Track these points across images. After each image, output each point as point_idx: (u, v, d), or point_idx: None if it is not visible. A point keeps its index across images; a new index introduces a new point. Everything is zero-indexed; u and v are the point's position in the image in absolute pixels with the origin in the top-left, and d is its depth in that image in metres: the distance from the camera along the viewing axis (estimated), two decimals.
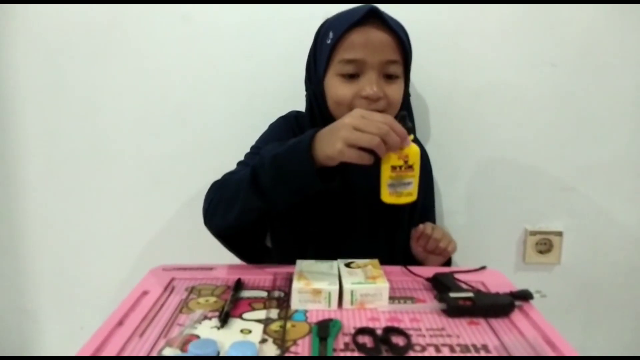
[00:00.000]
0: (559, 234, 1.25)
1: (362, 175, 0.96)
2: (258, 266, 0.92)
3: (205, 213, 0.89)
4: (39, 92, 1.21)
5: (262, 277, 0.88)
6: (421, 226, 0.97)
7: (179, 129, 1.22)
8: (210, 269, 0.93)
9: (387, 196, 0.71)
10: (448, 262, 1.00)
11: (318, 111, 0.97)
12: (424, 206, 1.10)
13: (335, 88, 0.92)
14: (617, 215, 1.26)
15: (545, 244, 1.26)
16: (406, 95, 0.98)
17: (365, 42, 0.89)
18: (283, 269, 0.91)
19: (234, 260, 1.05)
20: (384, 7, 0.92)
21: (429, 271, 0.88)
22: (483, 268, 0.93)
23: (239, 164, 0.98)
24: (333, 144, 0.70)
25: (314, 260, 0.87)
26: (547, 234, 1.25)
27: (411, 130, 0.71)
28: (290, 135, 0.97)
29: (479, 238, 1.24)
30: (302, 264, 0.85)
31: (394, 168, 0.70)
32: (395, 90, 0.92)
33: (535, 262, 1.27)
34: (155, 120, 1.22)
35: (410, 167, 0.69)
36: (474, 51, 1.17)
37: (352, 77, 0.91)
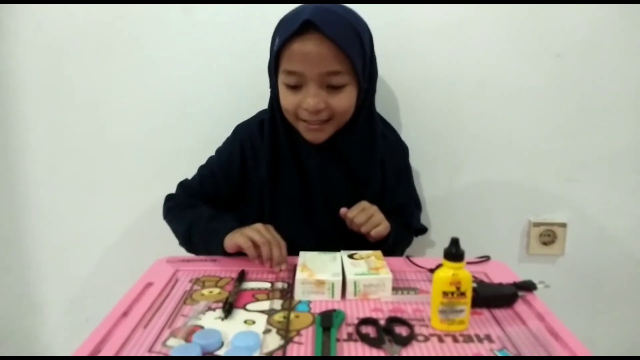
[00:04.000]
0: (563, 225, 1.25)
1: (321, 178, 0.99)
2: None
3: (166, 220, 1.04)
4: (43, 87, 1.21)
5: (265, 268, 0.89)
6: (343, 210, 0.93)
7: (182, 123, 1.22)
8: (214, 260, 0.93)
9: (438, 323, 0.68)
10: (386, 244, 0.96)
11: (279, 116, 0.97)
12: (398, 205, 1.05)
13: (283, 96, 0.93)
14: (621, 207, 1.25)
15: (549, 235, 1.26)
16: (367, 95, 0.97)
17: (303, 55, 0.87)
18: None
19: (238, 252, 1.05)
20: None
21: (431, 262, 0.88)
22: (487, 259, 0.93)
23: (200, 168, 1.08)
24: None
25: (317, 252, 0.87)
26: (550, 225, 1.25)
27: (462, 256, 0.68)
28: (242, 160, 1.02)
29: (483, 229, 1.24)
30: (305, 256, 0.85)
31: (445, 294, 0.67)
32: (340, 100, 0.91)
33: (539, 253, 1.27)
34: (159, 115, 1.22)
35: (463, 294, 0.67)
36: (477, 41, 1.16)
37: (295, 87, 0.91)
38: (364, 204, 0.95)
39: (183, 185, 1.07)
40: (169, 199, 1.06)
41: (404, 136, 1.13)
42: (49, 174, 1.26)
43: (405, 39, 1.16)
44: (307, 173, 1.00)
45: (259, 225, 0.88)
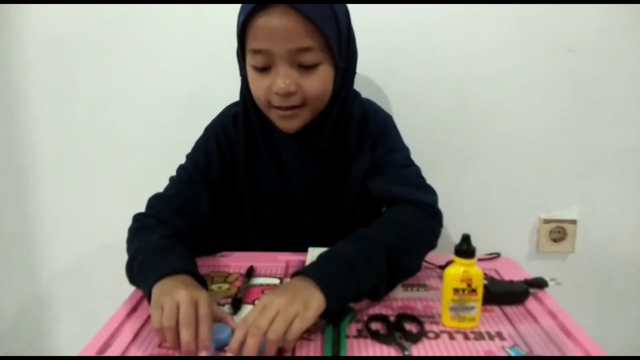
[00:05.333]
0: (573, 222, 1.23)
1: (298, 171, 0.92)
2: (270, 254, 0.92)
3: None
4: (49, 83, 1.21)
5: (274, 264, 0.88)
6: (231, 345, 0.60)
7: (189, 119, 1.21)
8: (223, 256, 0.93)
9: (449, 320, 0.68)
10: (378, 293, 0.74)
11: (252, 106, 0.88)
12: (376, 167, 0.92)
13: (252, 81, 0.84)
14: (632, 204, 1.24)
15: (559, 232, 1.25)
16: (346, 77, 0.87)
17: (269, 30, 0.77)
18: (295, 257, 0.91)
19: (246, 248, 1.05)
20: None
21: (441, 259, 0.87)
22: (497, 256, 0.93)
23: (172, 178, 0.95)
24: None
25: (326, 248, 0.86)
26: (561, 222, 1.24)
27: (473, 252, 0.67)
28: (220, 156, 0.93)
29: (493, 226, 1.23)
30: (314, 252, 0.85)
31: (456, 291, 0.67)
32: (313, 82, 0.81)
33: (549, 250, 1.26)
34: (167, 111, 1.21)
35: (474, 290, 0.66)
36: (487, 36, 1.15)
37: (264, 69, 0.81)
38: (264, 300, 0.64)
39: (155, 198, 0.91)
40: (135, 220, 0.89)
41: (413, 132, 1.11)
42: (56, 170, 1.27)
43: (414, 35, 1.14)
44: (284, 166, 0.92)
45: (171, 302, 0.63)
